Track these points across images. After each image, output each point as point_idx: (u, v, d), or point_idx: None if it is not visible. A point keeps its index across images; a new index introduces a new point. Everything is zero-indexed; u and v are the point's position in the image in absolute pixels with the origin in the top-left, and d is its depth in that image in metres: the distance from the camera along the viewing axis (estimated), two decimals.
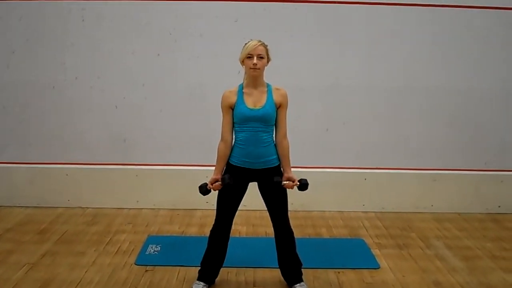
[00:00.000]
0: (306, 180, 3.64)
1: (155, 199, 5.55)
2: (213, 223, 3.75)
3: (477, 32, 5.35)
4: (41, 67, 5.31)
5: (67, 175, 5.49)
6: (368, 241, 4.81)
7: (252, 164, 3.57)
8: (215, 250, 3.76)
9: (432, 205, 5.62)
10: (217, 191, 3.64)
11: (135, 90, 5.38)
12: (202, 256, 3.81)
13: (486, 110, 5.53)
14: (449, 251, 4.61)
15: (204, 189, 3.59)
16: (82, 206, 5.52)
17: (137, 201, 5.53)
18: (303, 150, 5.37)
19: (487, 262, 4.42)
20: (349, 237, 4.92)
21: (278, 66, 5.10)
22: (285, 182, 3.60)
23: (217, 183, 3.57)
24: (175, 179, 5.50)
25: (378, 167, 5.58)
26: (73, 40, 5.27)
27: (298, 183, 3.63)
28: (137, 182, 5.53)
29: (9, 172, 5.50)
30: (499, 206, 5.66)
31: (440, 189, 5.61)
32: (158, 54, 5.30)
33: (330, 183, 5.54)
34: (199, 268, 3.83)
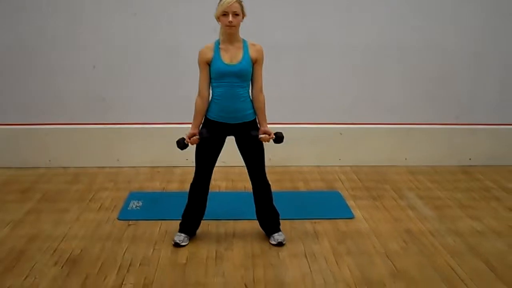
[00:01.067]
0: (281, 133, 3.77)
1: (135, 158, 5.64)
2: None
3: None
4: (19, 31, 5.29)
5: (47, 135, 5.54)
6: (344, 193, 4.98)
7: (229, 119, 3.68)
8: (195, 203, 3.89)
9: (406, 159, 5.80)
10: (194, 146, 3.74)
11: (113, 50, 5.40)
12: (183, 209, 3.95)
13: (456, 65, 5.66)
14: (421, 201, 4.81)
15: (182, 144, 3.69)
16: (64, 166, 5.59)
17: (118, 160, 5.62)
18: (281, 107, 5.49)
19: (456, 211, 4.62)
20: (325, 190, 5.09)
21: (256, 22, 5.18)
22: (261, 136, 3.71)
23: (194, 137, 3.68)
24: (155, 137, 5.59)
25: (354, 122, 5.71)
26: (50, 1, 5.24)
27: (274, 136, 3.74)
28: (117, 141, 5.61)
29: None
30: (470, 159, 5.86)
31: (413, 143, 5.78)
32: (135, 14, 5.31)
33: (307, 138, 5.67)
34: (180, 220, 3.96)
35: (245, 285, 3.38)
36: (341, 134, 5.70)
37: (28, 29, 5.30)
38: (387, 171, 5.59)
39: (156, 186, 5.14)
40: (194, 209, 3.90)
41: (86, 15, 5.30)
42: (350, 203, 4.74)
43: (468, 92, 5.74)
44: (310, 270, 3.57)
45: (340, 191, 5.01)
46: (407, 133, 5.74)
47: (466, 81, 5.71)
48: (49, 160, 5.57)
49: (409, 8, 5.47)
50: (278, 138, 3.76)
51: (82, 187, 5.05)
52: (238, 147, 3.81)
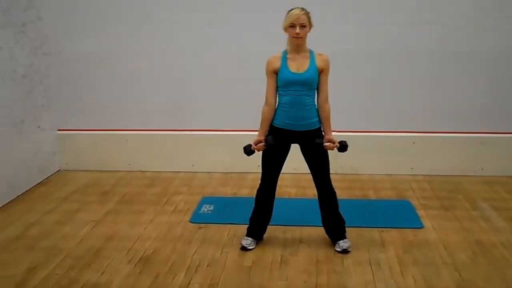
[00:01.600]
0: (345, 142, 3.80)
1: (210, 163, 5.82)
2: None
3: None
4: (100, 40, 5.63)
5: (127, 140, 5.85)
6: (414, 202, 4.92)
7: (294, 126, 3.76)
8: (262, 208, 4.00)
9: (482, 168, 5.63)
10: (261, 152, 3.85)
11: (189, 59, 5.62)
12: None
13: None
14: (495, 212, 4.67)
15: (248, 150, 3.82)
16: (142, 170, 5.88)
17: (193, 165, 5.83)
18: (353, 114, 5.54)
19: None
20: (395, 199, 5.05)
21: (325, 32, 5.24)
22: (325, 144, 3.76)
23: (260, 144, 3.79)
24: (229, 144, 5.72)
25: (427, 131, 5.63)
26: (129, 13, 5.55)
27: (338, 144, 3.78)
28: (192, 147, 5.82)
29: (74, 138, 5.91)
30: None
31: (490, 152, 5.60)
32: (209, 23, 5.50)
33: (379, 147, 5.65)
34: (248, 225, 4.07)
35: None
36: (414, 143, 5.63)
37: (110, 39, 5.63)
38: (461, 181, 5.46)
39: (228, 191, 5.30)
40: (261, 214, 4.01)
41: (164, 25, 5.56)
42: (420, 212, 4.69)
43: None
44: (374, 279, 3.58)
45: (410, 200, 4.96)
46: (483, 142, 5.58)
47: None
48: (129, 164, 5.87)
49: (479, 13, 5.34)
50: (342, 146, 3.80)
51: (158, 191, 5.29)
52: (303, 155, 3.89)
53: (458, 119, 5.59)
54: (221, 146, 5.76)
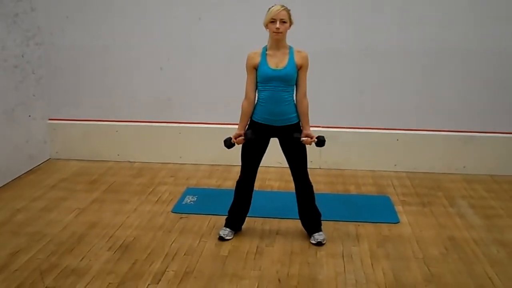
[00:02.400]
0: (323, 137, 3.90)
1: (197, 155, 5.93)
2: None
3: None
4: (93, 31, 5.74)
5: (117, 131, 5.96)
6: (394, 198, 5.02)
7: (273, 121, 3.87)
8: (241, 199, 4.11)
9: (464, 167, 5.73)
10: (240, 146, 3.96)
11: (179, 53, 5.72)
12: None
13: None
14: (472, 210, 4.77)
15: (228, 143, 3.93)
16: (130, 160, 5.99)
17: (180, 157, 5.94)
18: (338, 111, 5.63)
19: (506, 220, 4.56)
20: (375, 194, 5.15)
21: (313, 29, 5.34)
22: (303, 138, 3.86)
23: (240, 138, 3.90)
24: (216, 137, 5.79)
25: (411, 128, 5.72)
26: (122, 6, 5.65)
27: (316, 139, 3.88)
28: (181, 139, 5.93)
29: (65, 128, 6.02)
30: None
31: (473, 151, 5.69)
32: (200, 18, 5.60)
33: (363, 143, 5.75)
34: (227, 216, 4.19)
35: (279, 280, 3.55)
36: (397, 140, 5.73)
37: (102, 31, 5.74)
38: (442, 179, 5.56)
39: (212, 183, 5.41)
40: (240, 205, 4.13)
41: (155, 19, 5.66)
42: (398, 208, 4.79)
43: None
44: (344, 270, 3.69)
45: (390, 196, 5.06)
46: (466, 141, 5.66)
47: None
48: (118, 155, 5.99)
49: (472, 12, 5.41)
50: (320, 141, 3.90)
51: (144, 181, 5.40)
52: (282, 149, 3.99)
53: (442, 117, 5.68)
54: (208, 139, 5.86)
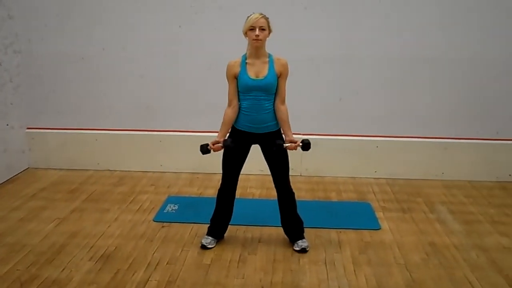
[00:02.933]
0: (308, 140, 3.88)
1: (177, 164, 5.91)
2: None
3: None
4: (71, 39, 5.69)
5: (96, 140, 5.91)
6: (374, 205, 5.06)
7: (255, 129, 3.89)
8: (222, 208, 4.11)
9: (443, 173, 5.80)
10: (220, 154, 3.95)
11: (159, 61, 5.71)
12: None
13: (498, 78, 5.61)
14: (451, 216, 4.83)
15: (204, 149, 3.92)
16: (111, 169, 5.94)
17: (161, 165, 5.91)
18: (318, 119, 5.66)
19: (486, 226, 4.62)
20: (356, 201, 5.19)
21: (293, 37, 5.37)
22: (287, 145, 3.86)
23: (218, 145, 3.89)
24: (196, 145, 5.80)
25: (390, 135, 5.77)
26: (101, 13, 5.62)
27: (300, 144, 3.87)
28: (161, 147, 5.90)
29: (44, 137, 5.95)
30: (510, 175, 5.79)
31: (451, 158, 5.77)
32: (180, 26, 5.60)
33: (343, 150, 5.79)
34: (209, 224, 4.18)
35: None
36: (377, 147, 5.78)
37: (81, 39, 5.69)
38: (422, 185, 5.62)
39: (194, 191, 5.39)
40: (221, 214, 4.12)
41: (134, 27, 5.63)
42: (379, 214, 4.82)
43: (509, 107, 5.68)
44: (327, 277, 3.70)
45: (371, 203, 5.10)
46: (445, 148, 5.74)
47: (507, 95, 5.66)
48: (98, 163, 5.94)
49: (448, 19, 5.48)
50: (305, 145, 3.88)
51: (125, 190, 5.36)
52: (264, 156, 4.00)
53: (421, 124, 5.74)
54: (189, 147, 5.79)
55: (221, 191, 4.08)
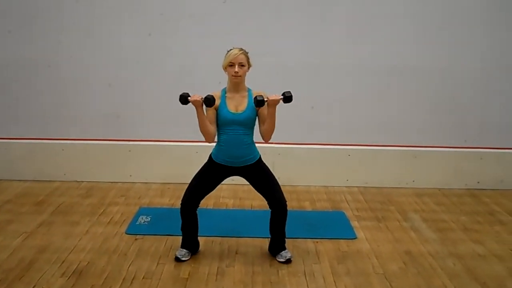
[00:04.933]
0: (289, 92, 3.78)
1: (147, 174, 5.79)
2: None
3: (459, 12, 5.55)
4: (37, 47, 5.52)
5: (63, 150, 5.73)
6: (349, 213, 5.05)
7: (234, 163, 3.87)
8: (188, 221, 4.00)
9: (413, 181, 5.85)
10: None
11: (128, 69, 5.59)
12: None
13: (466, 89, 5.73)
14: (425, 224, 4.86)
15: (184, 99, 3.77)
16: (78, 180, 5.77)
17: (130, 175, 5.78)
18: (290, 127, 5.62)
19: (459, 234, 4.67)
20: (330, 210, 5.17)
21: (265, 45, 5.35)
22: (269, 98, 3.73)
23: (198, 98, 3.72)
24: (166, 155, 5.75)
25: (362, 143, 5.79)
26: (68, 21, 5.47)
27: (282, 96, 3.77)
28: (130, 157, 5.77)
29: (8, 147, 5.74)
30: (478, 182, 5.89)
31: (421, 166, 5.83)
32: (150, 34, 5.50)
33: (315, 159, 5.78)
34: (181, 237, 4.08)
35: None
36: (349, 155, 5.79)
37: (47, 46, 5.53)
38: (393, 193, 5.65)
39: (165, 202, 5.28)
40: (189, 226, 4.02)
41: (103, 34, 5.52)
42: (354, 223, 4.82)
43: (477, 116, 5.80)
44: None
45: (345, 212, 5.09)
46: (415, 156, 5.80)
47: (475, 105, 5.77)
48: (64, 174, 5.76)
49: (419, 31, 5.57)
50: (286, 97, 3.78)
51: (94, 201, 5.21)
52: (251, 184, 3.99)
53: (392, 133, 5.79)
54: (159, 157, 5.75)
55: (184, 205, 3.96)
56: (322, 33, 5.55)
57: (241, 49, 3.77)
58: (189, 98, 3.77)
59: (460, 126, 5.81)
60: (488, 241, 4.53)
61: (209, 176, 3.91)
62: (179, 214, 3.99)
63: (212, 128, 3.82)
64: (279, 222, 4.00)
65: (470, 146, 5.85)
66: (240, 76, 3.74)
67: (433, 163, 5.84)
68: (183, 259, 3.99)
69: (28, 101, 5.66)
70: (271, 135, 3.90)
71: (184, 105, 3.84)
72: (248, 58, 3.78)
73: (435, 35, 5.57)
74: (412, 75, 5.66)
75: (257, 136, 3.94)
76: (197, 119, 3.78)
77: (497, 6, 5.53)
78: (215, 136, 3.86)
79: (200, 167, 3.98)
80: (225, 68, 3.80)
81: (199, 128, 3.81)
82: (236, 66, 3.71)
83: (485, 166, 5.86)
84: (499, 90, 5.74)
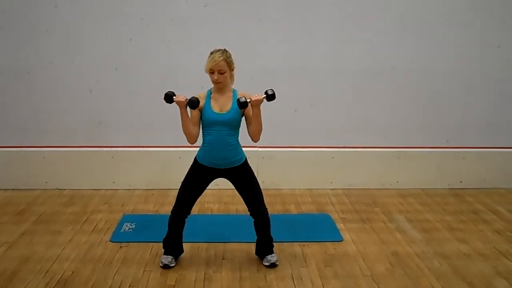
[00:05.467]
0: (272, 90, 3.76)
1: (130, 180, 5.72)
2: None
3: (439, 12, 5.57)
4: (16, 53, 5.43)
5: (44, 157, 5.63)
6: (334, 216, 5.05)
7: (218, 165, 3.82)
8: (176, 230, 3.97)
9: (397, 182, 5.87)
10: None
11: (109, 74, 5.52)
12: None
13: (447, 89, 5.76)
14: (410, 224, 4.88)
15: (169, 97, 3.73)
16: (60, 188, 5.68)
17: (113, 182, 5.70)
18: (273, 131, 5.58)
19: (444, 233, 4.69)
20: (316, 213, 5.16)
21: (248, 49, 5.33)
22: (252, 97, 3.71)
23: (183, 99, 3.69)
24: (149, 161, 5.69)
25: (345, 146, 5.80)
26: (47, 26, 5.38)
27: (264, 95, 3.75)
28: (112, 163, 5.70)
29: None
30: (461, 182, 5.93)
31: (404, 166, 5.86)
32: (130, 39, 5.45)
33: (299, 162, 5.77)
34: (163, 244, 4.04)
35: None
36: (333, 157, 5.79)
37: (26, 52, 5.43)
38: (378, 194, 5.67)
39: (150, 208, 5.22)
40: (175, 236, 3.99)
41: (83, 39, 5.44)
42: (340, 226, 4.81)
43: (459, 116, 5.83)
44: None
45: (330, 214, 5.09)
46: (398, 157, 5.82)
47: (457, 105, 5.81)
48: (46, 182, 5.66)
49: (400, 32, 5.59)
50: (269, 96, 3.76)
51: (76, 209, 5.13)
52: (235, 187, 3.95)
53: (375, 134, 5.80)
54: (142, 163, 5.69)
55: (175, 214, 3.92)
56: (303, 36, 5.54)
57: (223, 53, 3.70)
58: (174, 97, 3.72)
59: (442, 126, 5.85)
60: (472, 240, 4.56)
61: (196, 181, 3.87)
62: (164, 220, 3.94)
63: (195, 129, 3.78)
64: (262, 229, 4.00)
65: (452, 146, 5.89)
66: (220, 82, 3.72)
67: (416, 164, 5.86)
68: (172, 265, 3.96)
69: (6, 108, 5.56)
70: (259, 135, 3.87)
71: (168, 105, 3.81)
72: (229, 62, 3.72)
73: (416, 35, 5.60)
74: (392, 76, 5.68)
75: (246, 139, 3.91)
76: (180, 120, 3.74)
77: (475, 6, 5.57)
78: (197, 137, 3.82)
79: (185, 172, 3.93)
80: (206, 72, 3.75)
81: (182, 129, 3.77)
82: (216, 74, 3.68)
83: (468, 166, 5.90)
84: (479, 90, 5.78)
